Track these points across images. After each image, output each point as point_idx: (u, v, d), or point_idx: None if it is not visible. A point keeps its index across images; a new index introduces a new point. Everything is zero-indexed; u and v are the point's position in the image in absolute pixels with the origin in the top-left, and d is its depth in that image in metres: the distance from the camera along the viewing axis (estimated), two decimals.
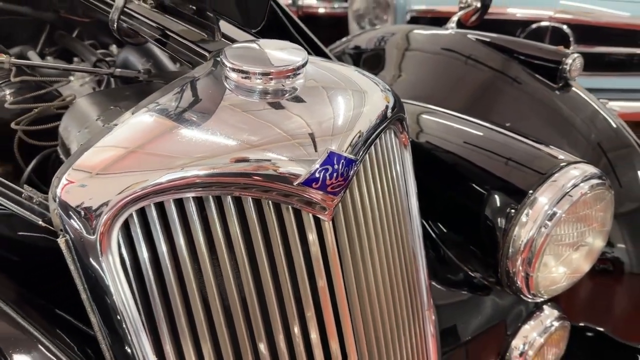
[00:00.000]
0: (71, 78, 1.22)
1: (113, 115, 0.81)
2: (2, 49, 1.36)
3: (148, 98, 0.73)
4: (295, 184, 0.66)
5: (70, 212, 0.68)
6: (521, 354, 1.14)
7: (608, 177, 1.27)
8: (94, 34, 1.53)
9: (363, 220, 0.76)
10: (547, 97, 1.39)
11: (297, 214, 0.70)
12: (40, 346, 0.79)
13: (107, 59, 1.25)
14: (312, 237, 0.71)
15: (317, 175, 0.67)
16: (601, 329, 1.32)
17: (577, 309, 1.31)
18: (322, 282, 0.71)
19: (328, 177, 0.68)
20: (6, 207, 0.78)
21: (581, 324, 1.29)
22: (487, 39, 1.50)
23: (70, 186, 0.68)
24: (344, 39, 2.02)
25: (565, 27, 2.82)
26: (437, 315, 1.03)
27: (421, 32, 1.78)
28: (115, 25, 0.96)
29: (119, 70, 1.06)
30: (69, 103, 0.98)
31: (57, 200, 0.67)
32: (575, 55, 1.36)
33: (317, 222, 0.71)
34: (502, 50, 1.46)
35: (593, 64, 2.99)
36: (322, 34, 1.45)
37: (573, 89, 1.42)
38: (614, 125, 1.43)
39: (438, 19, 2.81)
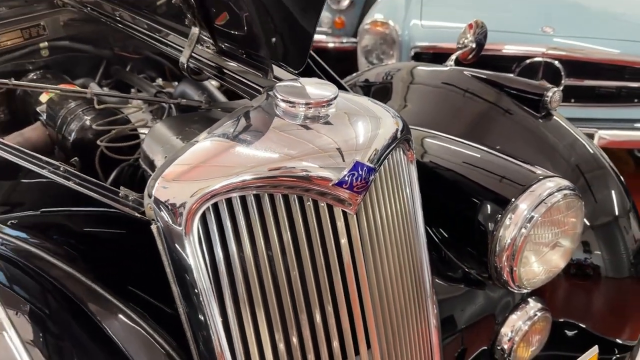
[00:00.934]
0: (129, 106, 1.46)
1: (190, 135, 1.04)
2: (68, 80, 1.61)
3: (219, 122, 0.97)
4: (330, 184, 0.89)
5: (161, 206, 0.90)
6: (509, 340, 1.34)
7: (585, 194, 1.49)
8: (141, 69, 1.78)
9: (379, 217, 0.99)
10: (532, 125, 1.62)
11: (330, 209, 0.92)
12: (121, 316, 1.01)
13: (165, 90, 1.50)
14: (340, 226, 0.93)
15: (346, 178, 0.90)
16: (583, 325, 1.52)
17: (560, 308, 1.51)
18: (347, 260, 0.93)
19: (354, 180, 0.91)
20: (104, 204, 1.01)
21: (562, 320, 1.49)
22: (481, 75, 1.74)
23: (161, 187, 0.91)
24: (354, 74, 2.26)
25: (556, 62, 3.07)
26: (439, 306, 1.24)
27: (423, 68, 2.03)
28: (185, 65, 1.21)
29: (185, 100, 1.30)
30: (141, 126, 1.21)
31: (152, 197, 0.90)
32: (555, 89, 1.60)
33: (345, 215, 0.93)
34: (494, 85, 1.69)
35: (584, 96, 3.23)
36: (330, 67, 1.67)
37: (554, 117, 1.65)
38: (591, 150, 1.64)
39: (440, 54, 3.05)
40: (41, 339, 0.83)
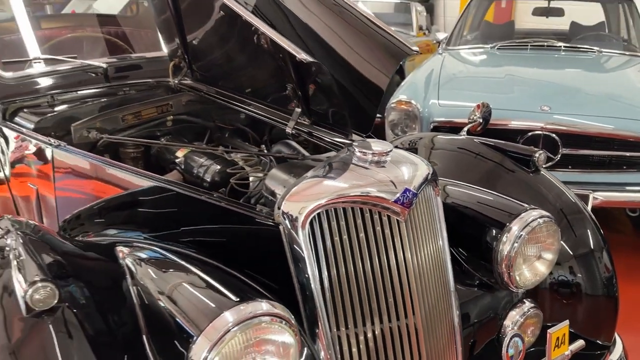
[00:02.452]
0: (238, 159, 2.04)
1: (297, 174, 1.60)
2: (187, 142, 2.22)
3: (317, 166, 1.54)
4: (390, 201, 1.46)
5: (285, 216, 1.47)
6: (510, 330, 1.83)
7: (567, 231, 2.01)
8: (233, 136, 2.40)
9: (418, 225, 1.53)
10: (525, 178, 2.17)
11: (388, 218, 1.48)
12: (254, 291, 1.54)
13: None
14: (395, 229, 1.48)
15: (399, 198, 1.46)
16: (571, 330, 1.99)
17: (553, 314, 1.97)
18: (399, 251, 1.48)
19: (404, 200, 1.47)
20: (238, 221, 1.57)
21: (554, 323, 1.97)
22: (487, 142, 2.32)
23: (285, 204, 1.48)
24: None
25: (554, 135, 3.64)
26: (460, 305, 1.74)
27: (442, 137, 2.62)
28: (290, 132, 1.80)
29: (285, 154, 1.88)
30: (253, 172, 1.80)
31: (280, 210, 1.47)
32: (541, 151, 2.16)
33: (397, 222, 1.49)
34: (496, 149, 2.28)
35: (579, 163, 3.76)
36: None
37: (542, 173, 2.20)
38: (572, 200, 2.18)
39: (454, 128, 3.64)
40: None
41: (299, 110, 1.84)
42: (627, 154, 3.67)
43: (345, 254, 1.47)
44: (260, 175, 1.80)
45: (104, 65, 2.50)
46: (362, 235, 1.47)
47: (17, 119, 2.32)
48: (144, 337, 1.31)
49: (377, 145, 1.56)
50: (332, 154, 1.72)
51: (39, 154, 2.15)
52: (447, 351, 1.65)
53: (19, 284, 1.27)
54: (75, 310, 1.28)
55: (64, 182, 2.06)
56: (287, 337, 1.28)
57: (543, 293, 1.97)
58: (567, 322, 1.76)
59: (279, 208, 1.48)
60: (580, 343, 1.81)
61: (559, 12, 5.76)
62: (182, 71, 2.39)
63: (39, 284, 1.22)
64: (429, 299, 1.57)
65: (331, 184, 1.50)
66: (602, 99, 3.96)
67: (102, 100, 2.36)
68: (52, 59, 2.51)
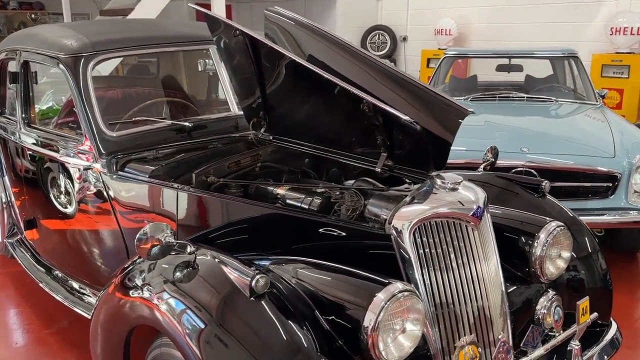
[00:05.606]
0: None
1: (394, 201, 2.19)
2: (272, 182, 2.78)
3: (410, 194, 2.15)
4: (469, 215, 2.08)
5: (393, 229, 2.06)
6: (540, 312, 2.44)
7: (570, 239, 2.68)
8: (301, 177, 2.97)
9: (484, 232, 2.16)
10: (535, 201, 2.86)
11: (466, 226, 2.10)
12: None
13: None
14: (471, 235, 2.10)
15: (474, 212, 2.09)
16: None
17: (568, 301, 2.61)
18: (475, 247, 2.09)
19: (477, 213, 2.10)
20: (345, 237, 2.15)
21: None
22: (501, 175, 3.01)
23: (394, 221, 2.07)
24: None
25: (533, 170, 4.40)
26: (508, 296, 2.34)
27: (462, 173, 3.28)
28: (379, 171, 2.42)
29: (371, 188, 2.44)
30: (344, 202, 2.39)
31: (391, 222, 2.06)
32: (546, 181, 2.87)
33: (472, 228, 2.11)
34: (508, 179, 2.96)
35: (553, 193, 4.49)
36: None
37: (547, 197, 2.90)
38: (571, 215, 2.88)
39: (451, 167, 4.31)
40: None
41: (385, 154, 2.47)
42: (588, 184, 4.45)
43: (438, 255, 2.07)
44: (345, 205, 2.38)
45: (190, 125, 3.05)
46: (448, 240, 2.08)
47: (127, 169, 2.83)
48: (316, 313, 1.86)
49: (451, 177, 2.19)
50: (405, 186, 2.34)
51: (157, 195, 2.67)
52: (501, 324, 2.24)
53: (238, 277, 1.80)
54: (272, 295, 1.82)
55: (184, 215, 2.58)
56: (419, 305, 1.85)
57: (560, 287, 2.61)
58: (587, 297, 2.40)
59: (389, 223, 2.07)
60: (595, 315, 2.44)
61: (519, 68, 6.70)
62: (262, 128, 2.99)
63: (258, 276, 1.76)
64: (489, 286, 2.18)
65: (423, 206, 2.12)
66: (562, 141, 4.79)
67: (199, 152, 2.91)
68: (146, 120, 3.04)
